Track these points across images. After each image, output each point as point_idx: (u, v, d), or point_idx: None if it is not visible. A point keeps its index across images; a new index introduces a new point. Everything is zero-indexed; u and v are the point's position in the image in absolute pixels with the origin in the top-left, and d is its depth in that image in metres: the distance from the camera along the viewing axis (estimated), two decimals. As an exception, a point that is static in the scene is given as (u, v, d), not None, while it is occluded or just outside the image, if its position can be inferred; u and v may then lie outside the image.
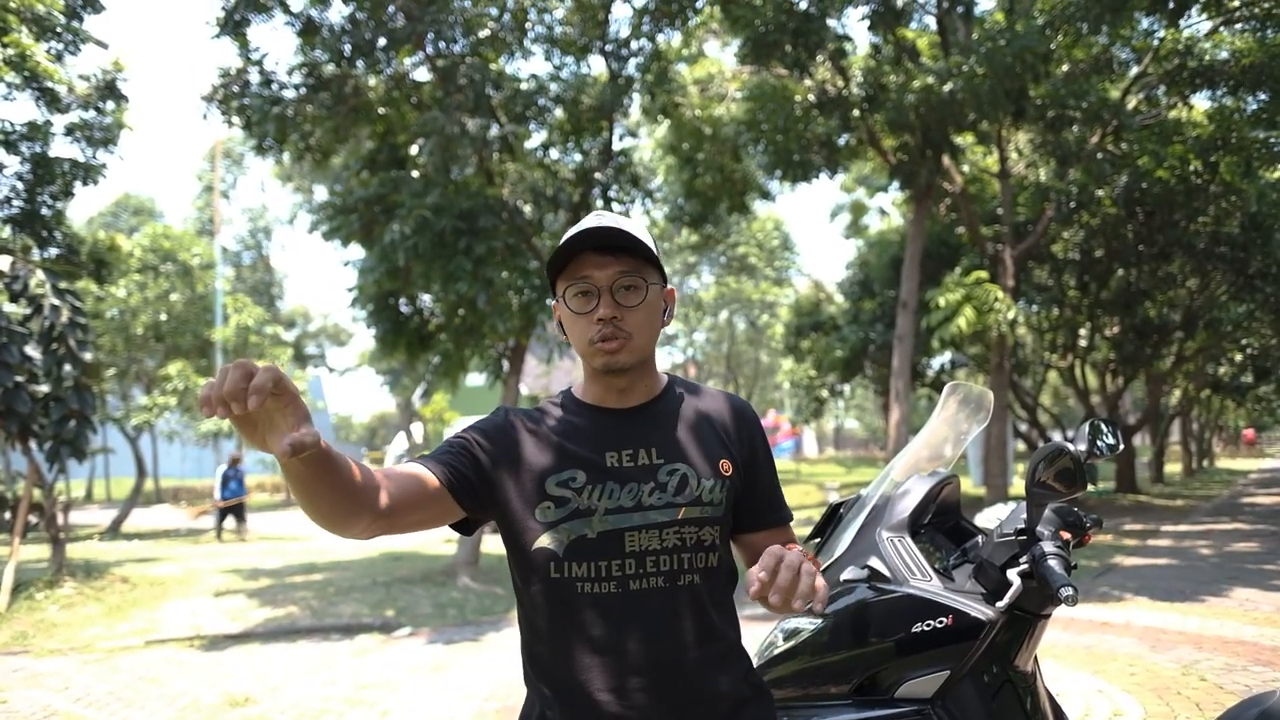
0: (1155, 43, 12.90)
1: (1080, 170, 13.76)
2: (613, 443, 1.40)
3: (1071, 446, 1.78)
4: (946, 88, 10.78)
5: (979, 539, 2.08)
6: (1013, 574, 1.77)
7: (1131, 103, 13.52)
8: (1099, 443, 2.01)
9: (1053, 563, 1.72)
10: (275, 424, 1.04)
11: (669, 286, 1.45)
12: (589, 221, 1.38)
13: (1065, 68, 12.67)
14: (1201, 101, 14.50)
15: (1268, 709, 1.48)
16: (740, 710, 1.39)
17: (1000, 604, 1.76)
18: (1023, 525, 1.84)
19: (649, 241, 1.39)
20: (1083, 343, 20.56)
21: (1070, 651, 5.58)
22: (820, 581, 1.14)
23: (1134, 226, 15.79)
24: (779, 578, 1.13)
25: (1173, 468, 33.64)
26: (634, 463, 1.38)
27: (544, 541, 1.35)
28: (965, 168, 16.33)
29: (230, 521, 17.27)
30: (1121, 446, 2.03)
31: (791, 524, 1.58)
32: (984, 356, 16.19)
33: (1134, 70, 13.60)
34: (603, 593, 1.34)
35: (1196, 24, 12.80)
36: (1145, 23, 12.96)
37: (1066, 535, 1.85)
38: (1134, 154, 13.68)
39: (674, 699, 1.33)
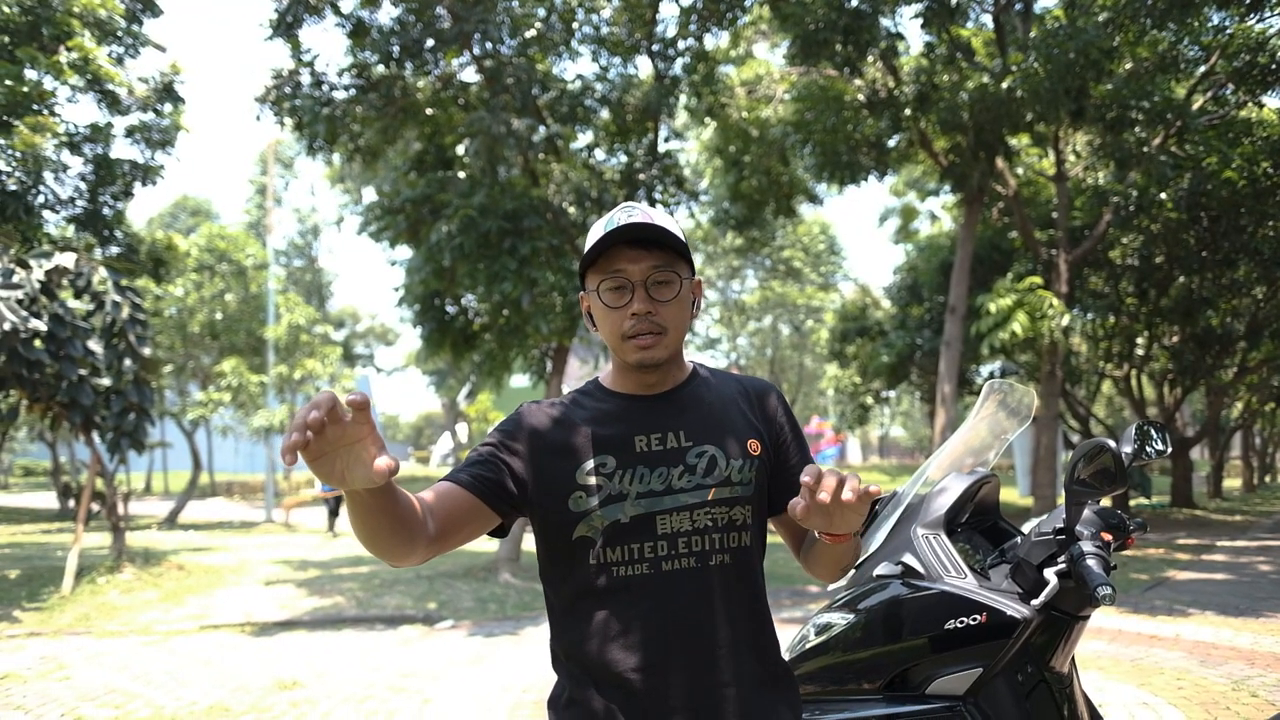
0: (1225, 39, 12.45)
1: (1141, 173, 13.35)
2: (641, 427, 1.42)
3: (1112, 444, 1.74)
4: (1004, 85, 10.58)
5: (1017, 539, 2.04)
6: (1050, 573, 1.73)
7: (1197, 102, 13.09)
8: (1148, 447, 1.96)
9: (1091, 562, 1.68)
10: (358, 456, 1.04)
11: (697, 278, 1.46)
12: (619, 216, 1.39)
13: (1128, 66, 12.33)
14: (1273, 100, 13.97)
15: (1315, 716, 1.43)
16: (765, 690, 1.41)
17: (1036, 602, 1.73)
18: (1062, 525, 1.80)
19: (679, 234, 1.40)
20: (1140, 352, 19.99)
21: (1115, 663, 5.44)
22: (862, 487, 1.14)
23: (1197, 231, 15.30)
24: (824, 481, 1.14)
25: (1232, 483, 32.58)
26: (663, 446, 1.40)
27: (580, 530, 1.37)
28: (1019, 170, 16.00)
29: (338, 514, 16.52)
30: (1170, 450, 1.98)
31: None
32: (1035, 364, 15.84)
33: (1201, 68, 13.16)
34: (636, 574, 1.36)
35: (1270, 18, 12.32)
36: (1215, 18, 12.51)
37: (1108, 537, 1.81)
38: (1199, 155, 13.22)
39: (704, 678, 1.35)
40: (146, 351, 9.60)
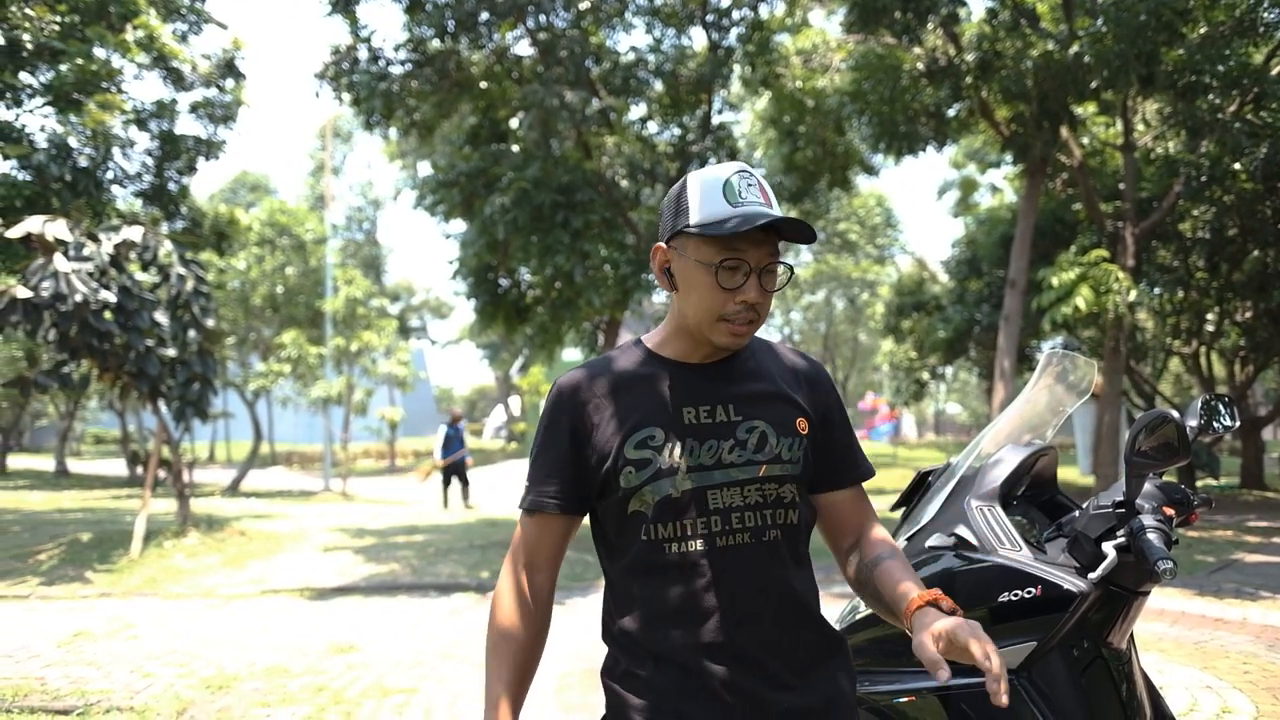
0: (1308, 0, 11.86)
1: (1214, 142, 12.82)
2: (690, 399, 1.39)
3: (1175, 414, 1.67)
4: (1071, 51, 10.23)
5: (1075, 513, 1.99)
6: (1108, 547, 1.68)
7: (1276, 67, 12.51)
8: (1214, 422, 1.90)
9: (1152, 536, 1.62)
10: None
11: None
12: (741, 185, 1.33)
13: (1202, 29, 11.82)
14: (1357, 65, 13.28)
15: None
16: (819, 663, 1.40)
17: (1093, 576, 1.68)
18: (1122, 498, 1.75)
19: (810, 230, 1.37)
20: (1210, 328, 19.30)
21: (1178, 646, 5.30)
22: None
23: (1273, 203, 14.65)
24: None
25: (1307, 464, 31.46)
26: (712, 419, 1.37)
27: (633, 505, 1.35)
28: (1085, 140, 15.50)
29: (454, 484, 15.74)
30: (1237, 425, 1.91)
31: (871, 479, 1.55)
32: (1099, 340, 15.42)
33: (1281, 32, 12.56)
34: (690, 550, 1.34)
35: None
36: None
37: (1170, 511, 1.75)
38: (1277, 123, 12.65)
39: (757, 652, 1.34)
40: (210, 323, 9.86)
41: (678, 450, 1.35)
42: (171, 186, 12.42)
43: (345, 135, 37.22)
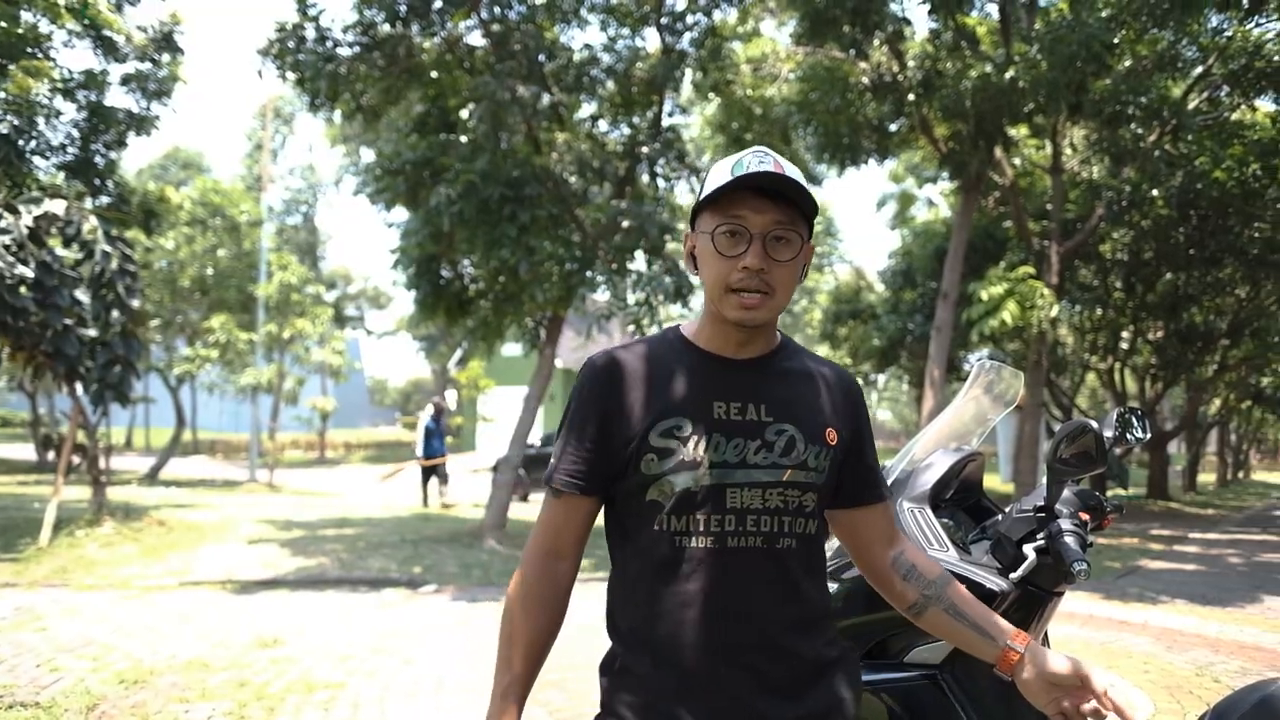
0: (1223, 41, 12.55)
1: (1135, 169, 13.48)
2: (722, 393, 1.35)
3: (1095, 425, 1.78)
4: (1007, 75, 10.63)
5: (998, 516, 2.09)
6: (1028, 549, 1.78)
7: (1193, 102, 13.19)
8: (1129, 433, 2.01)
9: (1069, 539, 1.73)
10: None
11: (809, 243, 1.37)
12: (751, 160, 1.30)
13: (1128, 63, 12.39)
14: (1266, 103, 14.11)
15: (1268, 695, 1.47)
16: (823, 673, 1.37)
17: (1014, 576, 1.78)
18: (1042, 503, 1.85)
19: (811, 192, 1.33)
20: (1124, 345, 20.21)
21: (1085, 647, 5.56)
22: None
23: (1186, 229, 15.44)
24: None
25: (1206, 478, 33.09)
26: (742, 417, 1.34)
27: (651, 494, 1.32)
28: (1017, 161, 16.06)
29: (433, 484, 15.02)
30: (1150, 437, 2.03)
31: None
32: (1022, 353, 16.00)
33: (1198, 69, 13.25)
34: (699, 547, 1.30)
35: (1267, 23, 12.42)
36: (1215, 20, 12.60)
37: (1086, 516, 1.86)
38: (1192, 154, 13.37)
39: (755, 658, 1.31)
40: (135, 303, 9.52)
41: (703, 444, 1.31)
42: (98, 160, 11.97)
43: (286, 116, 36.32)
